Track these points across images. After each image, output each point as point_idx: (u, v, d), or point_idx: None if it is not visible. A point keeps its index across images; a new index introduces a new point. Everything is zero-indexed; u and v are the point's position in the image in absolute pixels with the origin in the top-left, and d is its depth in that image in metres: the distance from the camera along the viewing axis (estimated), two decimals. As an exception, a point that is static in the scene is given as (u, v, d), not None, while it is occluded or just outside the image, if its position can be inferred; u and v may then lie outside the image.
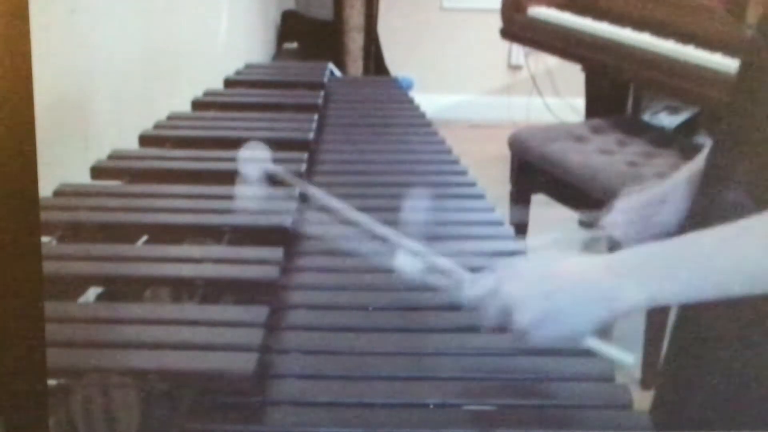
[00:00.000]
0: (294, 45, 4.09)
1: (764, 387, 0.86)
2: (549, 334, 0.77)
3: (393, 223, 0.93)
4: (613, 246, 1.00)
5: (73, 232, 1.09)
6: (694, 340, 0.95)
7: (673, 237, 0.80)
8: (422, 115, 1.82)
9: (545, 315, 0.77)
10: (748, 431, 0.85)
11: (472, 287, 0.83)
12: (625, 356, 0.81)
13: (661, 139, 2.50)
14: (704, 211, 0.90)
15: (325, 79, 2.01)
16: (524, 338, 0.78)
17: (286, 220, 1.14)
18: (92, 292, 0.98)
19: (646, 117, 2.91)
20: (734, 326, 0.87)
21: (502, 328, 0.80)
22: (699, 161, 0.99)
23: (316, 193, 1.07)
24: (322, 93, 1.84)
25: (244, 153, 1.09)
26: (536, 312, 0.77)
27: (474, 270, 0.86)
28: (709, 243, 0.77)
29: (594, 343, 0.80)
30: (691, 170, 1.00)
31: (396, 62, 4.12)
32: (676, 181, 1.02)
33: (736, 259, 0.75)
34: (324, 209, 1.02)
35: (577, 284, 0.78)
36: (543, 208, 2.50)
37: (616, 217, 1.04)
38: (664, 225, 1.01)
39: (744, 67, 0.92)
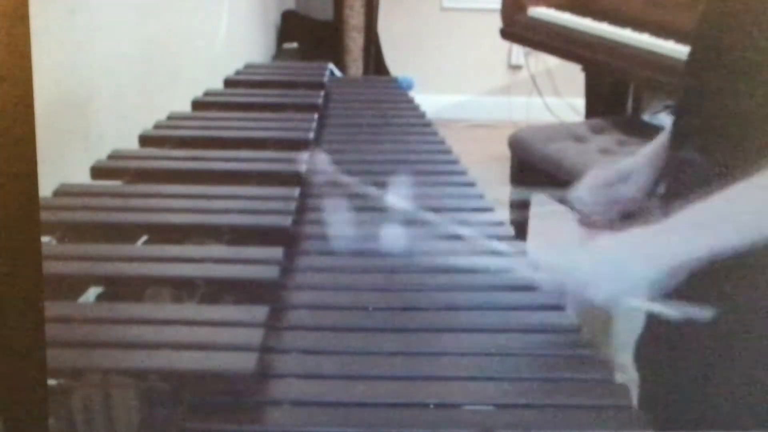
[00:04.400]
0: (294, 45, 4.09)
1: (731, 382, 0.89)
2: (610, 292, 0.87)
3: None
4: (582, 218, 1.15)
5: (73, 232, 1.09)
6: (666, 333, 0.98)
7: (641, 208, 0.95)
8: (422, 115, 1.82)
9: (617, 291, 0.87)
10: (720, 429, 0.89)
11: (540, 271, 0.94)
12: (670, 310, 0.89)
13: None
14: (673, 171, 1.01)
15: (325, 79, 2.01)
16: (592, 296, 0.88)
17: (286, 220, 1.14)
18: (92, 292, 0.98)
19: (646, 117, 2.91)
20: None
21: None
22: (658, 141, 1.10)
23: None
24: (322, 93, 1.84)
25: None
26: (610, 291, 0.87)
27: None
28: (727, 200, 0.85)
29: (640, 304, 0.89)
30: (652, 149, 1.10)
31: (396, 62, 4.12)
32: (638, 161, 1.11)
33: (751, 211, 0.84)
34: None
35: (633, 258, 0.88)
36: (543, 208, 2.50)
37: (583, 194, 1.14)
38: (627, 200, 1.12)
39: (696, 42, 0.98)
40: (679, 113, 1.02)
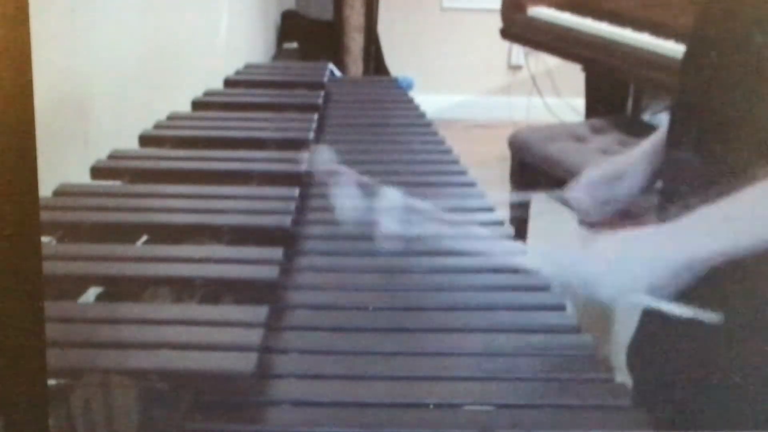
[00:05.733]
0: (294, 45, 4.09)
1: (722, 383, 0.90)
2: (614, 289, 0.87)
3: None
4: (583, 218, 1.16)
5: (73, 232, 1.09)
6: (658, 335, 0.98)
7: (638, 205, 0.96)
8: (422, 115, 1.82)
9: (622, 287, 0.87)
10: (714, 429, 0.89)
11: (543, 262, 0.94)
12: (683, 310, 0.89)
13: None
14: (670, 170, 1.02)
15: (325, 79, 2.01)
16: (595, 293, 0.88)
17: (286, 220, 1.14)
18: (92, 292, 0.98)
19: (646, 117, 2.91)
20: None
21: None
22: (653, 139, 1.11)
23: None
24: (322, 93, 1.84)
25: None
26: (615, 288, 0.87)
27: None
28: (738, 204, 0.85)
29: (651, 301, 0.89)
30: (648, 147, 1.12)
31: (396, 62, 4.12)
32: (633, 159, 1.13)
33: (761, 215, 0.83)
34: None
35: (629, 248, 0.89)
36: (543, 208, 2.50)
37: (580, 193, 1.15)
38: (623, 198, 1.13)
39: (692, 42, 0.98)
40: (675, 111, 1.02)
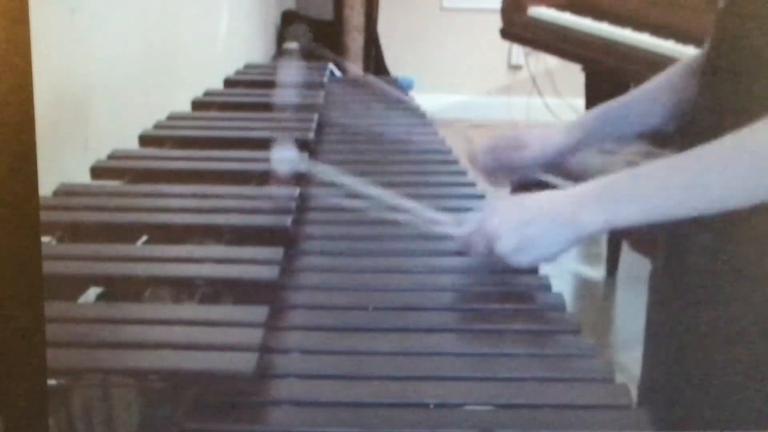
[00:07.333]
0: (294, 45, 4.09)
1: (739, 383, 0.91)
2: (527, 257, 0.92)
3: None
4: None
5: (73, 232, 1.09)
6: (671, 335, 0.98)
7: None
8: (422, 115, 1.82)
9: (521, 242, 0.91)
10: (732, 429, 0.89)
11: (459, 227, 0.97)
12: (593, 272, 0.91)
13: (661, 139, 2.49)
14: None
15: (325, 79, 2.00)
16: (507, 263, 0.93)
17: (286, 220, 1.14)
18: (92, 292, 0.98)
19: (646, 117, 2.90)
20: (714, 321, 0.90)
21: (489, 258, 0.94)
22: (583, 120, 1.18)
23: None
24: (322, 93, 1.84)
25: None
26: (513, 240, 0.91)
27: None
28: (661, 168, 0.88)
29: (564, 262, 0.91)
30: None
31: (396, 62, 4.12)
32: (536, 135, 1.18)
33: (684, 181, 0.86)
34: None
35: (545, 213, 0.91)
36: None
37: (477, 154, 1.21)
38: (521, 168, 1.19)
39: (716, 40, 0.98)
40: (695, 114, 1.02)
